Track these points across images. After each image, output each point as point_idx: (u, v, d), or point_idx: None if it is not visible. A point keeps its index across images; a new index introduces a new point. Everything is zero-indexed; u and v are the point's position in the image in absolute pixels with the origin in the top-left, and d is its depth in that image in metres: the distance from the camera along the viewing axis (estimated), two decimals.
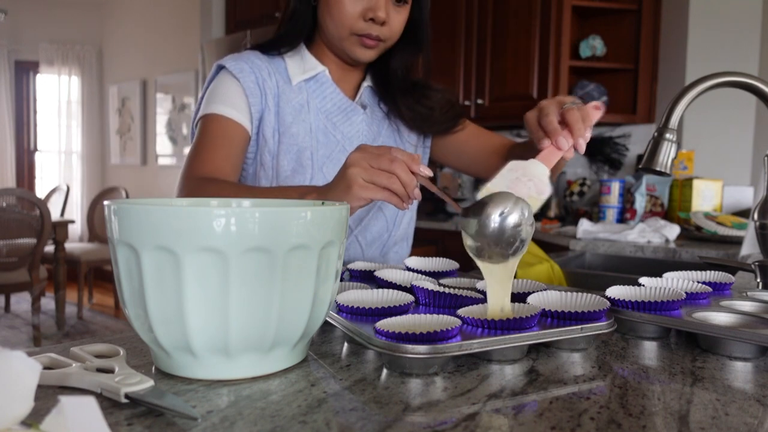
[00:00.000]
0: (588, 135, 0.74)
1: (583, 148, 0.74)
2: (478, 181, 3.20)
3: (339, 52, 1.02)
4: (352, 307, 0.61)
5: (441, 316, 0.57)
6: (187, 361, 0.49)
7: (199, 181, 0.87)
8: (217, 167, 0.91)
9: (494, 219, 0.60)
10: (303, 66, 1.03)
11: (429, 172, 0.69)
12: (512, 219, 0.60)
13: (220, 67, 1.00)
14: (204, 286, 0.46)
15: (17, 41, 5.62)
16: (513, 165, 0.68)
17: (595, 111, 0.77)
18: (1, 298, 4.42)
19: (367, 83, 1.08)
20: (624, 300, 0.66)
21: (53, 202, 4.81)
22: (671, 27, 2.65)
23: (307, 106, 1.01)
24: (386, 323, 0.55)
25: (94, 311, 4.51)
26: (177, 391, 0.47)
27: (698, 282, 0.79)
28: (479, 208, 0.61)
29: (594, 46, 2.76)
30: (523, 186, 0.66)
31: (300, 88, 1.02)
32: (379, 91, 1.09)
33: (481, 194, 0.64)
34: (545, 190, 0.67)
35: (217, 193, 0.81)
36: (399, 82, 1.07)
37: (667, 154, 0.86)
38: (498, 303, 0.61)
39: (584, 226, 2.04)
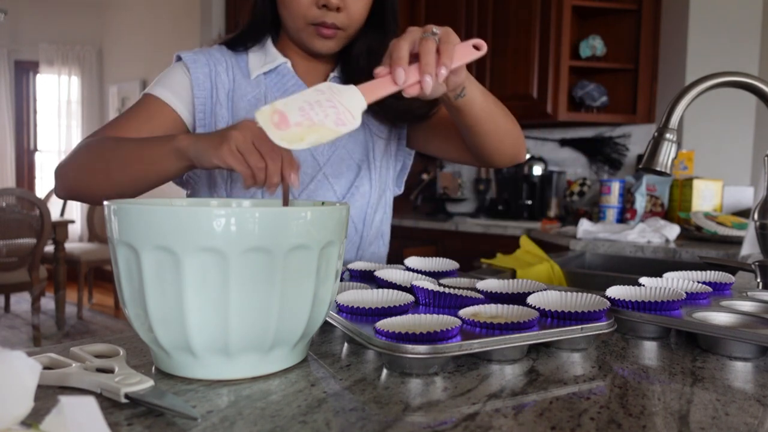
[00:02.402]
0: (443, 73, 0.61)
1: (428, 87, 0.61)
2: (479, 181, 3.20)
3: (300, 45, 0.99)
4: (352, 307, 0.61)
5: (441, 316, 0.57)
6: (187, 361, 0.49)
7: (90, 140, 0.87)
8: (121, 135, 0.89)
9: None
10: (264, 59, 1.01)
11: (295, 184, 0.65)
12: None
13: (178, 58, 1.00)
14: (204, 286, 0.46)
15: (17, 41, 5.62)
16: (325, 86, 0.57)
17: (465, 49, 0.65)
18: (1, 298, 4.42)
19: (334, 74, 1.04)
20: (624, 300, 0.66)
21: (53, 202, 4.81)
22: (671, 27, 2.65)
23: (264, 99, 0.99)
24: (386, 323, 0.55)
25: (94, 311, 4.51)
26: (177, 391, 0.47)
27: (698, 282, 0.79)
28: None
29: (594, 46, 2.76)
30: (320, 111, 0.56)
31: (258, 81, 1.00)
32: (346, 82, 1.01)
33: (261, 110, 0.54)
34: (348, 123, 0.56)
35: (106, 143, 0.82)
36: (362, 72, 0.99)
37: (667, 154, 0.86)
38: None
39: (584, 226, 2.04)
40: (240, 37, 1.02)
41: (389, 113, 1.04)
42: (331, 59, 1.04)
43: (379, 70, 0.61)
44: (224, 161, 0.66)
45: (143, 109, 0.94)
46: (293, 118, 0.54)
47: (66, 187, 0.87)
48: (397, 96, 1.00)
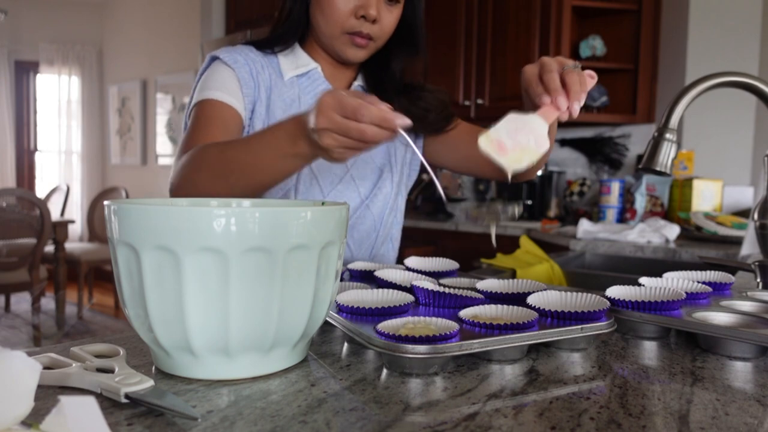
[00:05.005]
0: (582, 100, 0.73)
1: (576, 112, 0.73)
2: (478, 182, 3.20)
3: (330, 51, 1.02)
4: (352, 307, 0.61)
5: (441, 318, 0.57)
6: (187, 361, 0.49)
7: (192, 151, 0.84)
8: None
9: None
10: (296, 62, 1.03)
11: (406, 122, 0.63)
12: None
13: (214, 58, 1.00)
14: (204, 286, 0.46)
15: (17, 41, 5.62)
16: (513, 117, 0.68)
17: (591, 79, 0.77)
18: (1, 298, 4.41)
19: (358, 82, 1.08)
20: (624, 300, 0.66)
21: (53, 202, 4.81)
22: (671, 27, 2.65)
23: (299, 101, 1.00)
24: (387, 325, 0.55)
25: (94, 311, 4.51)
26: (177, 391, 0.47)
27: (698, 282, 0.79)
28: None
29: (594, 46, 2.76)
30: (524, 136, 0.67)
31: (292, 83, 1.01)
32: (370, 91, 1.08)
33: (481, 141, 0.66)
34: (544, 144, 0.68)
35: (212, 155, 0.79)
36: (394, 83, 1.06)
37: (667, 154, 0.86)
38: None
39: (584, 226, 2.04)
40: (271, 41, 1.03)
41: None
42: (354, 67, 1.08)
43: (545, 99, 0.73)
44: (344, 161, 0.69)
45: (212, 116, 0.93)
46: (508, 143, 0.66)
47: None
48: (420, 107, 1.02)
